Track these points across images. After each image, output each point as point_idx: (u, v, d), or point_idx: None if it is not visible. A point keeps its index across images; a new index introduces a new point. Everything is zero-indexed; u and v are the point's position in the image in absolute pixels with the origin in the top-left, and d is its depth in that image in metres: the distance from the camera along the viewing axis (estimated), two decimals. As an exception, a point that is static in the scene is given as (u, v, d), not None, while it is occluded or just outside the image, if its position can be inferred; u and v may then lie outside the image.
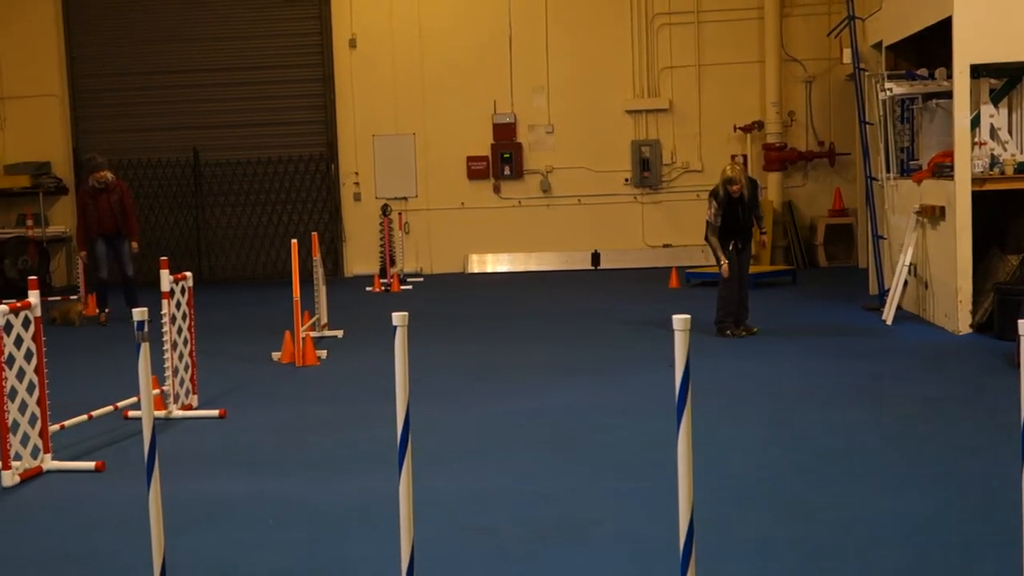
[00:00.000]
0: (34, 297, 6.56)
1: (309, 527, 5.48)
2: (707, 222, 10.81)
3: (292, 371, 9.92)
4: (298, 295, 10.16)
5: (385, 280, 16.80)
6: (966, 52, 10.50)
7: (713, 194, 10.75)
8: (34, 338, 6.56)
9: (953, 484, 5.87)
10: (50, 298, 13.81)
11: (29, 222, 18.35)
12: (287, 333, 10.37)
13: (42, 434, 6.63)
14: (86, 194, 13.32)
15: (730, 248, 10.82)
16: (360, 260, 18.85)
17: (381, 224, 17.46)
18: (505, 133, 18.62)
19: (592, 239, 18.59)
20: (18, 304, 6.43)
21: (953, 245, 10.60)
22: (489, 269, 18.77)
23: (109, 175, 13.23)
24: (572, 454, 6.79)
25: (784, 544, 5.02)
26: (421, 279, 17.90)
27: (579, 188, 18.64)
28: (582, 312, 13.44)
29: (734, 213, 10.71)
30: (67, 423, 7.22)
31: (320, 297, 11.75)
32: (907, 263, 11.59)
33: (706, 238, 10.98)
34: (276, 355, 10.38)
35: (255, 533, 5.42)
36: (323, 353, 10.43)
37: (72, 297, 14.63)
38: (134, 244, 13.35)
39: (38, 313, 6.57)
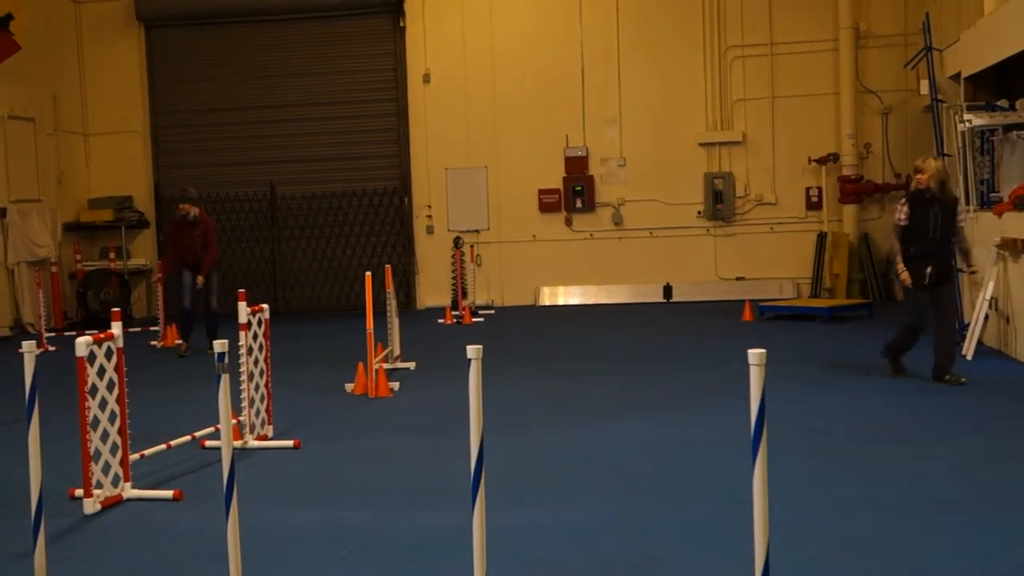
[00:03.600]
0: (117, 328, 6.71)
1: (382, 558, 5.50)
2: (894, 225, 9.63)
3: (365, 402, 9.99)
4: (371, 327, 10.25)
5: (457, 312, 16.89)
6: (1048, 82, 10.33)
7: (906, 193, 9.68)
8: (116, 368, 6.70)
9: (1037, 524, 5.71)
10: None
11: (111, 255, 18.82)
12: (360, 365, 10.46)
13: (123, 463, 6.77)
14: (173, 224, 13.58)
15: (926, 274, 9.44)
16: (432, 292, 18.97)
17: (453, 256, 17.57)
18: (577, 166, 18.65)
19: (664, 272, 18.51)
20: (101, 335, 6.58)
21: (1036, 279, 10.38)
22: (560, 302, 18.76)
23: (192, 209, 13.37)
24: (642, 488, 6.73)
25: (862, 583, 4.93)
26: (492, 311, 17.95)
27: (651, 221, 18.59)
28: (653, 345, 13.35)
29: (924, 219, 9.31)
30: (147, 452, 7.37)
31: (393, 329, 11.84)
32: (988, 297, 11.36)
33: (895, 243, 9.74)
34: (349, 386, 10.48)
35: (328, 563, 5.46)
36: (396, 385, 10.50)
37: None
38: (200, 278, 13.32)
39: (120, 344, 6.72)
